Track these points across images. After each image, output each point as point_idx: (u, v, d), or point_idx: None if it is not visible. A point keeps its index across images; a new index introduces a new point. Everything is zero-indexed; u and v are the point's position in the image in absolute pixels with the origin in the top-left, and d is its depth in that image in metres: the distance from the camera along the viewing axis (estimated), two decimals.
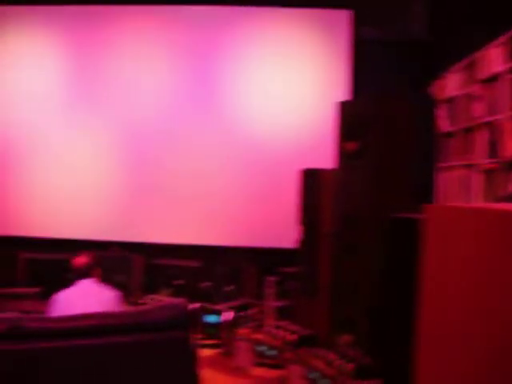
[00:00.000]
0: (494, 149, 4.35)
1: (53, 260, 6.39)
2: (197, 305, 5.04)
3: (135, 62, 6.69)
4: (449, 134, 5.32)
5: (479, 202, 4.44)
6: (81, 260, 4.08)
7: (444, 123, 5.39)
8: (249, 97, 6.56)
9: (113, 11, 6.76)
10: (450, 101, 5.37)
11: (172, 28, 6.68)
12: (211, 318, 4.94)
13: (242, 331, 4.74)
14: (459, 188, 4.94)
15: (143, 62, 6.69)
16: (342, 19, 6.43)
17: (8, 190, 6.82)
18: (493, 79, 4.44)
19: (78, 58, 6.77)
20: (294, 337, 4.37)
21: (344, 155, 4.51)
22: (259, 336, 4.62)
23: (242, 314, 5.00)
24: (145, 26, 6.72)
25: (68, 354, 2.79)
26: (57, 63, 6.79)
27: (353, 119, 4.45)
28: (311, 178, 5.09)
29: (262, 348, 4.45)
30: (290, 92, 6.52)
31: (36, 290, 5.99)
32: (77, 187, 6.72)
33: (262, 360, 4.43)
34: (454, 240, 1.81)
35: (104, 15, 6.76)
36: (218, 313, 4.91)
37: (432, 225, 1.94)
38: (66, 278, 6.04)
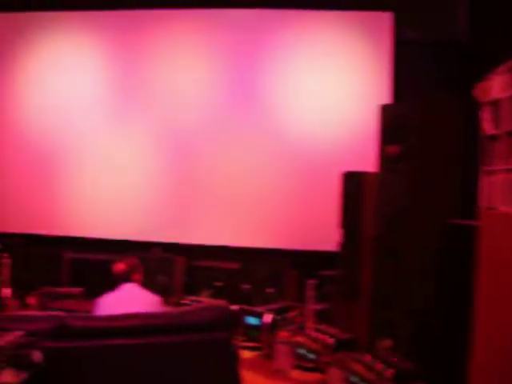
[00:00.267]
0: None
1: (96, 260, 6.51)
2: (236, 307, 5.07)
3: (178, 65, 6.78)
4: (493, 137, 5.23)
5: None
6: (119, 267, 4.12)
7: (488, 126, 5.30)
8: (290, 99, 6.56)
9: (156, 15, 6.85)
10: (495, 103, 5.27)
11: (213, 31, 6.73)
12: (252, 320, 4.95)
13: (282, 334, 4.74)
14: (503, 192, 4.85)
15: (185, 66, 6.77)
16: (382, 21, 6.38)
17: (54, 191, 6.98)
18: None
19: (123, 62, 6.89)
20: (334, 340, 4.36)
21: (386, 158, 4.49)
22: (299, 339, 4.61)
23: (281, 316, 5.01)
24: (187, 29, 6.80)
25: (112, 352, 2.85)
26: (102, 68, 6.93)
27: (394, 122, 4.43)
28: (352, 181, 5.07)
29: (302, 351, 4.45)
30: (331, 94, 6.49)
31: (79, 289, 6.10)
32: (120, 188, 6.84)
33: (301, 363, 4.43)
34: (509, 245, 1.79)
35: (148, 20, 6.86)
36: (259, 315, 4.92)
37: (486, 230, 1.92)
38: (108, 278, 6.16)
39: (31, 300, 5.97)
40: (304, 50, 6.54)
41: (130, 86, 6.88)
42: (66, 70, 6.97)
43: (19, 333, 2.73)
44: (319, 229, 6.23)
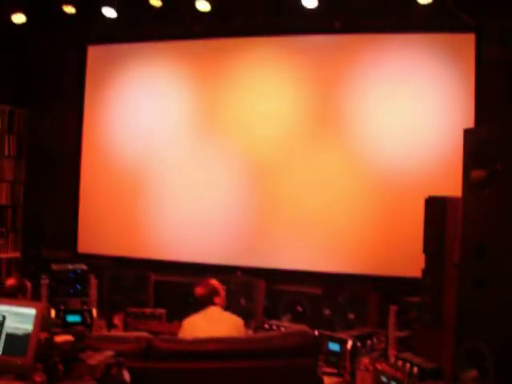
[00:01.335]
0: None
1: (178, 283, 6.66)
2: (317, 332, 5.05)
3: (257, 92, 6.90)
4: None
5: None
6: (201, 290, 4.21)
7: None
8: (371, 123, 6.53)
9: (234, 44, 7.04)
10: None
11: (291, 57, 6.82)
12: (332, 346, 4.92)
13: (364, 361, 4.69)
14: None
15: (264, 92, 6.88)
16: (464, 42, 6.27)
17: (139, 216, 7.22)
18: None
19: (206, 90, 7.10)
20: (418, 369, 4.26)
21: (470, 183, 4.39)
22: (381, 366, 4.54)
23: (363, 342, 4.95)
24: (265, 57, 6.91)
25: (196, 375, 2.91)
26: (183, 95, 7.16)
27: (479, 147, 4.33)
28: (436, 206, 4.97)
29: (384, 379, 4.37)
30: (413, 117, 6.41)
31: (162, 311, 6.25)
32: (202, 213, 6.98)
33: None
34: None
35: (226, 48, 7.05)
36: (340, 341, 4.89)
37: None
38: (189, 301, 6.28)
39: (117, 320, 6.15)
40: (385, 74, 6.50)
41: (211, 113, 7.06)
42: (151, 97, 7.25)
43: (109, 352, 2.84)
44: (402, 254, 6.13)
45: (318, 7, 6.13)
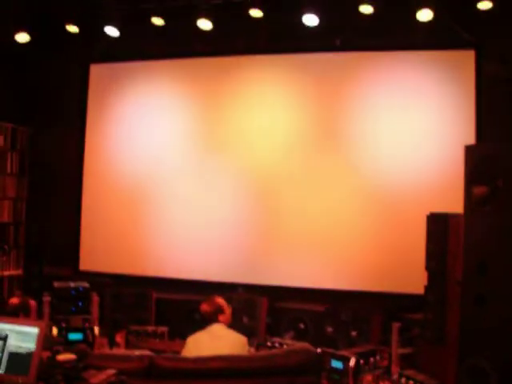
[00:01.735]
0: None
1: (180, 300, 6.65)
2: (319, 349, 5.02)
3: (259, 108, 6.94)
4: None
5: None
6: (206, 307, 4.22)
7: None
8: (372, 141, 6.56)
9: (236, 62, 7.10)
10: None
11: (292, 75, 6.88)
12: (335, 364, 4.89)
13: (367, 378, 4.66)
14: None
15: (267, 108, 6.92)
16: (465, 59, 6.32)
17: (141, 234, 7.24)
18: None
19: (205, 107, 7.15)
20: None
21: (472, 200, 4.39)
22: None
23: (366, 360, 4.92)
24: (267, 74, 6.97)
25: None
26: (185, 112, 7.21)
27: (480, 163, 4.34)
28: (438, 223, 4.97)
29: None
30: (414, 134, 6.44)
31: (164, 329, 6.23)
32: (204, 230, 6.99)
33: None
34: None
35: (228, 66, 7.12)
36: (343, 358, 4.86)
37: None
38: (190, 318, 6.26)
39: (119, 338, 6.13)
40: (388, 91, 6.54)
41: (214, 129, 7.10)
42: (153, 115, 7.29)
43: (112, 371, 2.84)
44: (405, 271, 6.13)
45: (319, 25, 6.18)
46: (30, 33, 6.71)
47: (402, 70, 6.54)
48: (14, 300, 4.76)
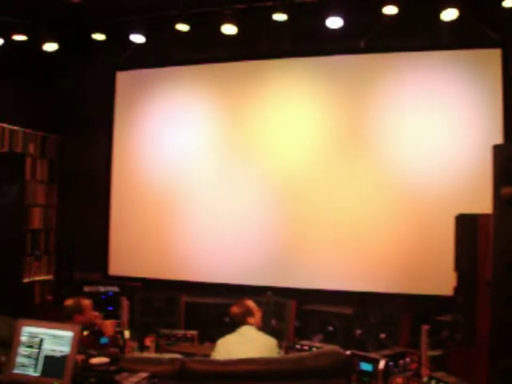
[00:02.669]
0: None
1: (209, 304, 6.68)
2: (349, 352, 5.01)
3: (284, 112, 6.96)
4: None
5: None
6: (235, 310, 4.25)
7: None
8: (399, 141, 6.54)
9: (260, 66, 7.13)
10: None
11: (317, 78, 6.89)
12: (364, 366, 4.87)
13: (396, 381, 4.63)
14: None
15: (291, 112, 6.94)
16: (490, 58, 6.26)
17: (170, 238, 7.29)
18: None
19: (233, 113, 7.19)
20: None
21: (501, 200, 4.36)
22: None
23: (395, 362, 4.90)
24: (291, 78, 6.98)
25: None
26: (211, 118, 7.26)
27: (508, 163, 4.30)
28: (467, 224, 4.94)
29: None
30: (441, 135, 6.39)
31: (194, 332, 6.27)
32: (232, 234, 7.03)
33: None
34: None
35: (252, 70, 7.15)
36: (372, 361, 4.84)
37: None
38: (220, 322, 6.28)
39: (149, 342, 6.17)
40: (410, 92, 6.52)
41: (240, 134, 7.14)
42: (179, 121, 7.36)
43: (144, 374, 2.88)
44: (434, 272, 6.09)
45: (343, 28, 6.19)
46: (58, 42, 6.83)
47: (427, 70, 6.50)
48: (68, 302, 4.85)
